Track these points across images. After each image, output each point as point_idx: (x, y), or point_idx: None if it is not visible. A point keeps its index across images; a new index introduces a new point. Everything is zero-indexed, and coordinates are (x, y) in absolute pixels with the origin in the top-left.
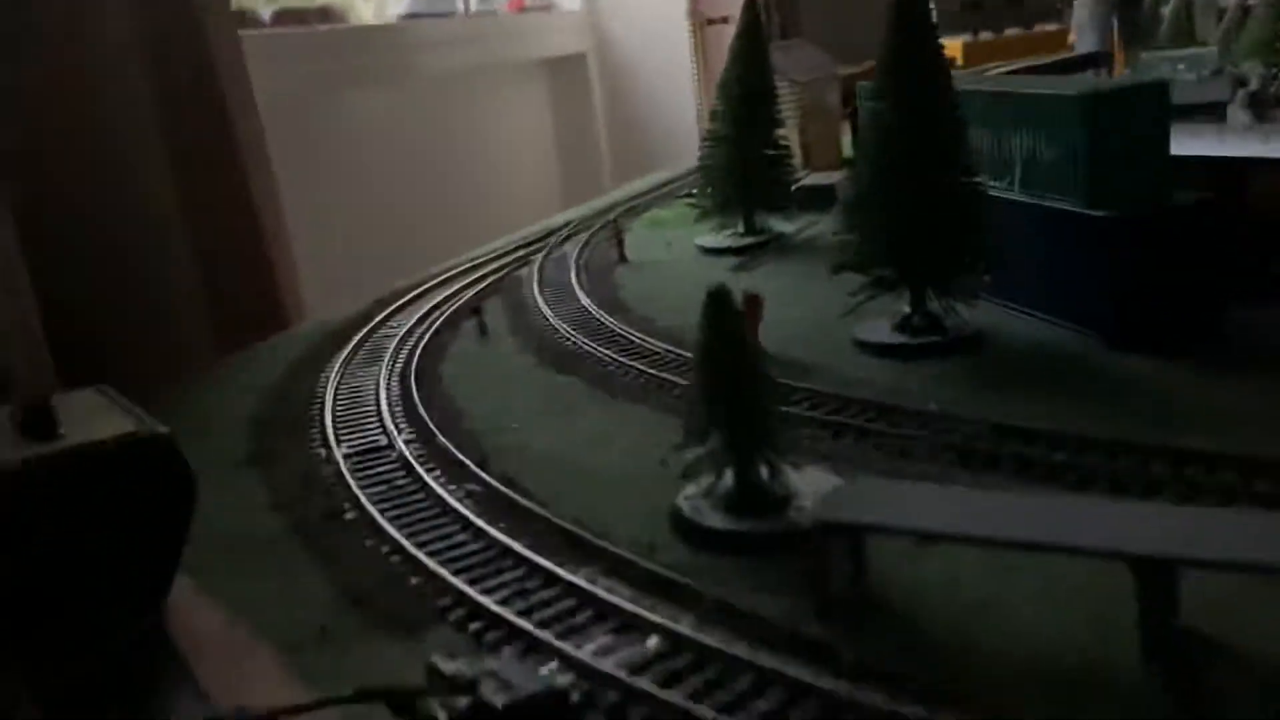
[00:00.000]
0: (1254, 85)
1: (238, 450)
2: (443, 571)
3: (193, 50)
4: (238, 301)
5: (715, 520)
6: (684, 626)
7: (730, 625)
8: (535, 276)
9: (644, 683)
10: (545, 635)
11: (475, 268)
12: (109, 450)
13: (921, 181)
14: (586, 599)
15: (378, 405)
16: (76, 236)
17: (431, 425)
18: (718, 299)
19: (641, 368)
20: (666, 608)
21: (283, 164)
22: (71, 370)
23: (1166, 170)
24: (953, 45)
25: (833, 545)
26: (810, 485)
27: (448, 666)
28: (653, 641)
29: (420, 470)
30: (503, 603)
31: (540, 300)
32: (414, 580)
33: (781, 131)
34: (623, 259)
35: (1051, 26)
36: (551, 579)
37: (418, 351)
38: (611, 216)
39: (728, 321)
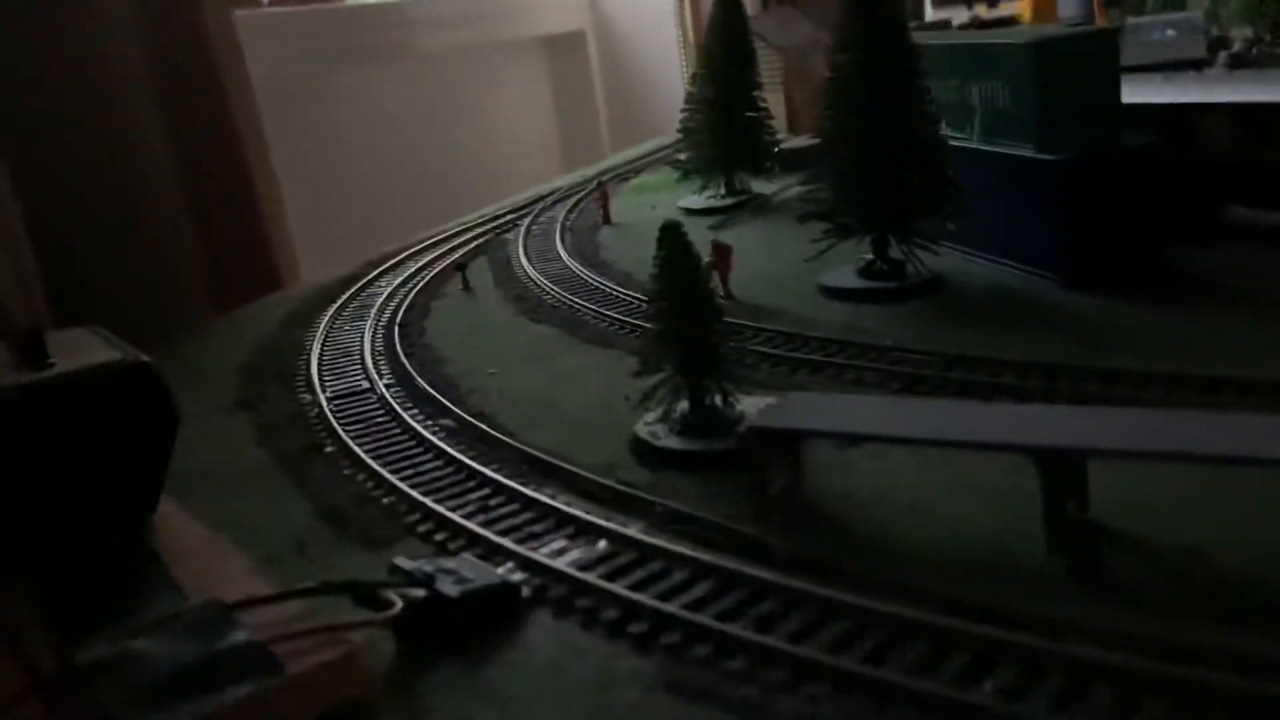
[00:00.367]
0: (1237, 47)
1: (228, 396)
2: (412, 492)
3: (187, 19)
4: (232, 263)
5: (671, 442)
6: (633, 531)
7: (676, 530)
8: (521, 238)
9: (590, 576)
10: (504, 541)
11: (465, 230)
12: (96, 377)
13: (883, 131)
14: (545, 511)
15: (361, 355)
16: (73, 201)
17: (412, 371)
18: (671, 233)
19: (616, 315)
20: (620, 517)
21: (286, 139)
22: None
23: (1117, 115)
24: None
25: (769, 453)
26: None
27: (408, 565)
28: (602, 544)
29: (398, 408)
30: (467, 516)
31: (524, 259)
32: (385, 500)
33: (762, 94)
34: (607, 221)
35: None
36: (514, 495)
37: (403, 307)
38: (596, 180)
39: (681, 255)
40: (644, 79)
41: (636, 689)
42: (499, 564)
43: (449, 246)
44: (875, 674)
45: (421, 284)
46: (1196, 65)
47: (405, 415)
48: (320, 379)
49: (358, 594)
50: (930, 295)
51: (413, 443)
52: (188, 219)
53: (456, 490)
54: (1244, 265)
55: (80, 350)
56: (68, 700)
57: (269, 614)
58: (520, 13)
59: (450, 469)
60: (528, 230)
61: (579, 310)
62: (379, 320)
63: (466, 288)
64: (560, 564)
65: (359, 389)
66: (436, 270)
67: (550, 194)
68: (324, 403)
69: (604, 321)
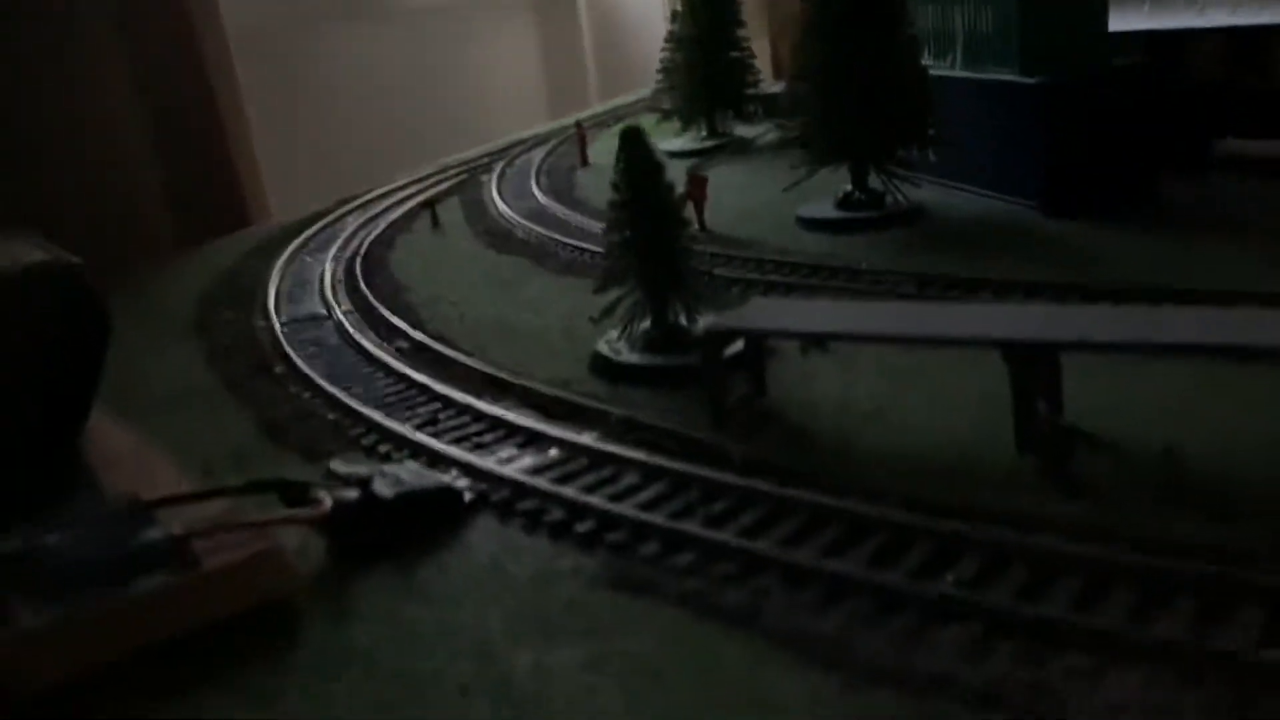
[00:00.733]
0: None
1: (182, 321)
2: (359, 406)
3: None
4: (197, 200)
5: (631, 358)
6: (585, 439)
7: (630, 439)
8: (495, 179)
9: (537, 481)
10: (450, 449)
11: (441, 173)
12: (21, 277)
13: (861, 58)
14: (495, 422)
15: (320, 284)
16: (33, 128)
17: (371, 298)
18: (632, 138)
19: (585, 246)
20: (574, 427)
21: (267, 86)
22: None
23: (1102, 38)
24: None
25: (727, 358)
26: None
27: (344, 469)
28: (553, 452)
29: (353, 332)
30: (414, 429)
31: (496, 196)
32: (330, 416)
33: (744, 33)
34: (584, 163)
35: None
36: (465, 409)
37: (368, 241)
38: (576, 122)
39: (643, 159)
40: (632, 35)
41: (576, 585)
42: (445, 472)
43: (422, 187)
44: (829, 567)
45: (389, 222)
46: None
47: (359, 338)
48: (276, 306)
49: (286, 493)
50: (910, 225)
51: (364, 363)
52: (150, 154)
53: (406, 406)
54: (1234, 194)
55: (8, 253)
56: None
57: (192, 512)
58: None
59: (401, 386)
60: (502, 173)
61: (547, 242)
62: (342, 253)
63: (435, 225)
64: (506, 470)
65: (315, 315)
66: (406, 209)
67: (529, 139)
68: (277, 328)
69: (573, 251)
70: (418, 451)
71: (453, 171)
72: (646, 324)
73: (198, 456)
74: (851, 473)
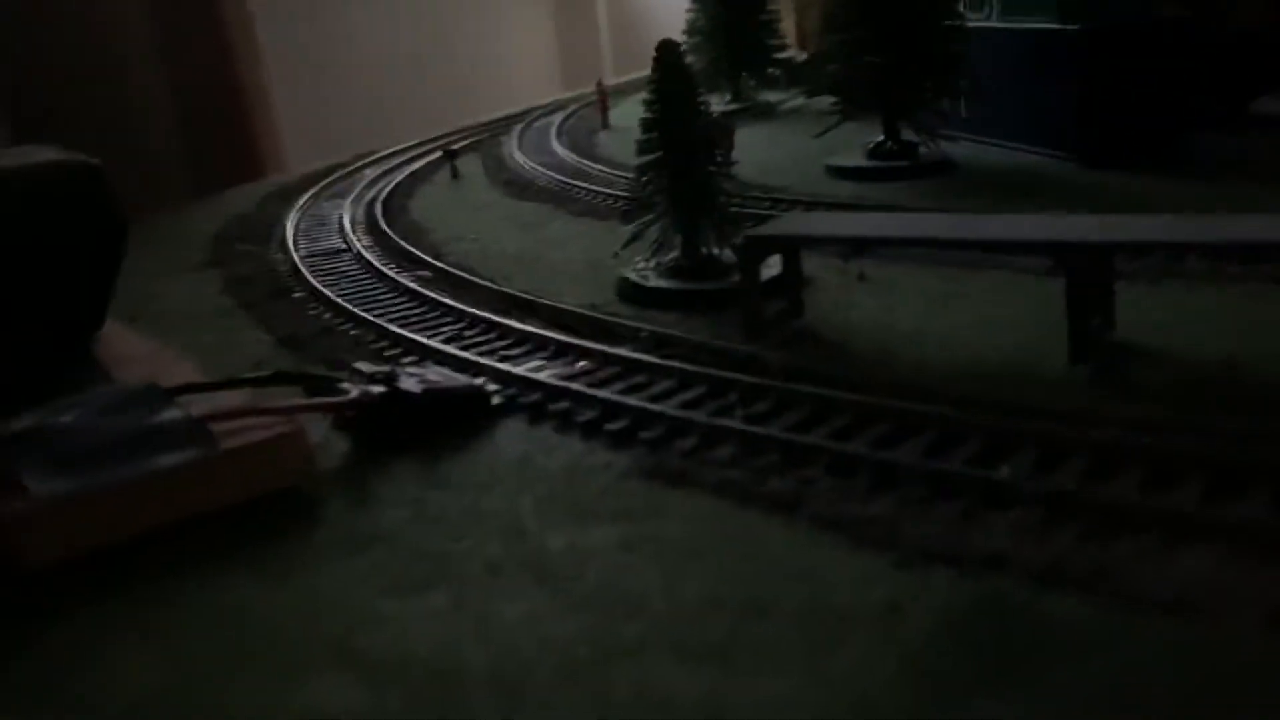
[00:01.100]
0: None
1: (200, 256)
2: (380, 321)
3: None
4: (213, 149)
5: (660, 283)
6: (617, 350)
7: (663, 352)
8: (515, 136)
9: (569, 384)
10: (478, 358)
11: (457, 133)
12: (36, 173)
13: (895, 5)
14: (523, 336)
15: (340, 224)
16: (54, 83)
17: (392, 235)
18: (667, 50)
19: (608, 192)
20: (604, 342)
21: (292, 50)
22: None
23: None
24: None
25: (762, 283)
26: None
27: (369, 368)
28: (582, 364)
29: (373, 261)
30: (442, 342)
31: (517, 152)
32: (352, 331)
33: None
34: (605, 125)
35: None
36: (491, 325)
37: (387, 189)
38: (596, 82)
39: (678, 79)
40: (651, 19)
41: (609, 477)
42: (473, 377)
43: (441, 144)
44: (878, 455)
45: (409, 173)
46: None
47: (380, 267)
48: (295, 242)
49: (311, 384)
50: (942, 175)
51: (385, 287)
52: (168, 105)
53: (429, 322)
54: (1273, 149)
55: (27, 155)
56: None
57: (213, 399)
58: None
59: (423, 307)
60: (521, 133)
61: (570, 188)
62: (361, 199)
63: (455, 176)
64: (537, 375)
65: (335, 249)
66: (425, 162)
67: (548, 104)
68: (296, 260)
69: (595, 197)
70: (443, 361)
71: (470, 131)
72: (676, 253)
73: (218, 368)
74: (896, 379)
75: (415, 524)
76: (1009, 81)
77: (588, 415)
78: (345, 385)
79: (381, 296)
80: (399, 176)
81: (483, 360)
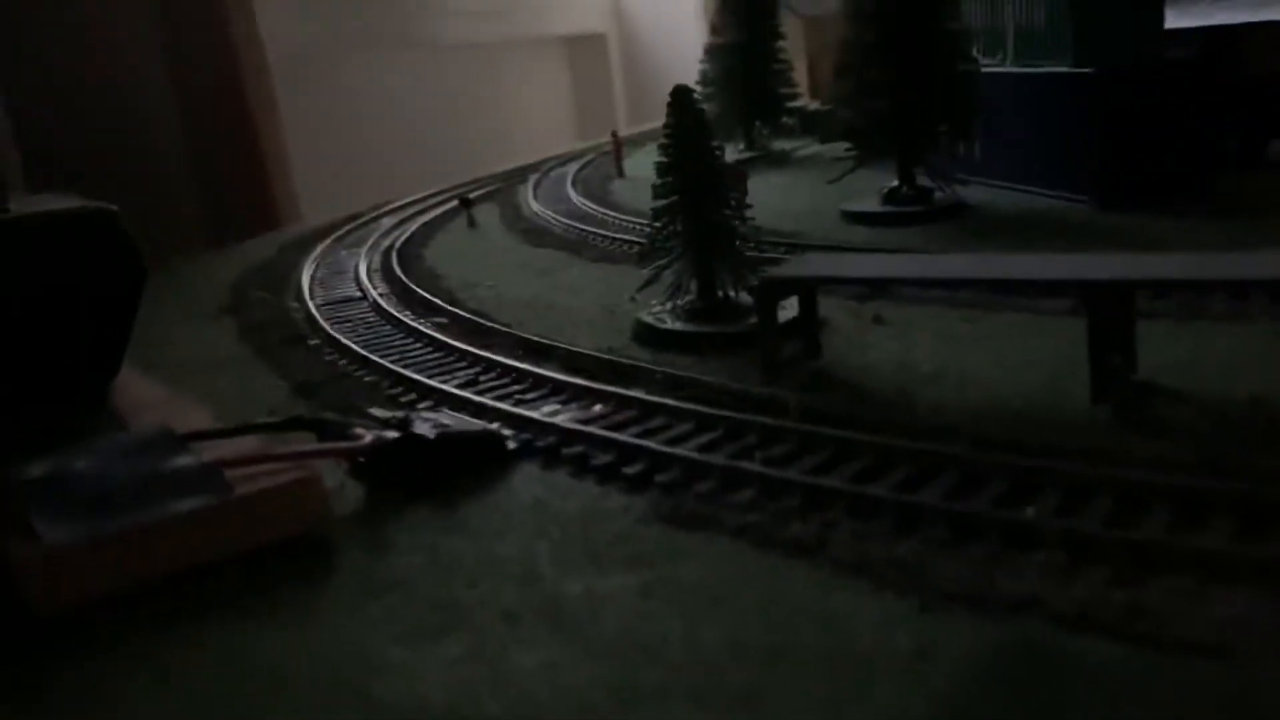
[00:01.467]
0: None
1: (217, 304)
2: (395, 367)
3: None
4: (231, 202)
5: (676, 326)
6: (633, 393)
7: (681, 394)
8: (531, 185)
9: (585, 427)
10: (494, 403)
11: (474, 182)
12: (56, 221)
13: (908, 51)
14: (539, 380)
15: (355, 272)
16: (78, 138)
17: (408, 281)
18: (682, 95)
19: (623, 238)
20: (621, 384)
21: (308, 110)
22: None
23: (1156, 28)
24: None
25: (780, 325)
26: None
27: (383, 413)
28: (598, 407)
29: (388, 308)
30: (457, 387)
31: (533, 200)
32: (367, 377)
33: (783, 44)
34: (620, 174)
35: None
36: (507, 370)
37: (403, 238)
38: (611, 132)
39: (692, 123)
40: (663, 76)
41: (626, 521)
42: (489, 422)
43: (457, 194)
44: (900, 498)
45: (425, 221)
46: None
47: (396, 314)
48: (311, 290)
49: (324, 430)
50: (958, 219)
51: (401, 334)
52: (186, 158)
53: (445, 367)
54: None
55: (46, 202)
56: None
57: (227, 445)
58: (543, 12)
59: (439, 353)
60: (537, 182)
61: (585, 235)
62: (377, 247)
63: (472, 224)
64: (554, 420)
65: (350, 297)
66: (441, 211)
67: (562, 155)
68: (312, 308)
69: (610, 243)
70: (459, 406)
71: (487, 181)
72: (692, 296)
73: (231, 415)
74: (916, 420)
75: (430, 570)
76: (1024, 125)
77: (604, 459)
78: (360, 430)
79: (397, 342)
80: (415, 225)
81: (498, 404)
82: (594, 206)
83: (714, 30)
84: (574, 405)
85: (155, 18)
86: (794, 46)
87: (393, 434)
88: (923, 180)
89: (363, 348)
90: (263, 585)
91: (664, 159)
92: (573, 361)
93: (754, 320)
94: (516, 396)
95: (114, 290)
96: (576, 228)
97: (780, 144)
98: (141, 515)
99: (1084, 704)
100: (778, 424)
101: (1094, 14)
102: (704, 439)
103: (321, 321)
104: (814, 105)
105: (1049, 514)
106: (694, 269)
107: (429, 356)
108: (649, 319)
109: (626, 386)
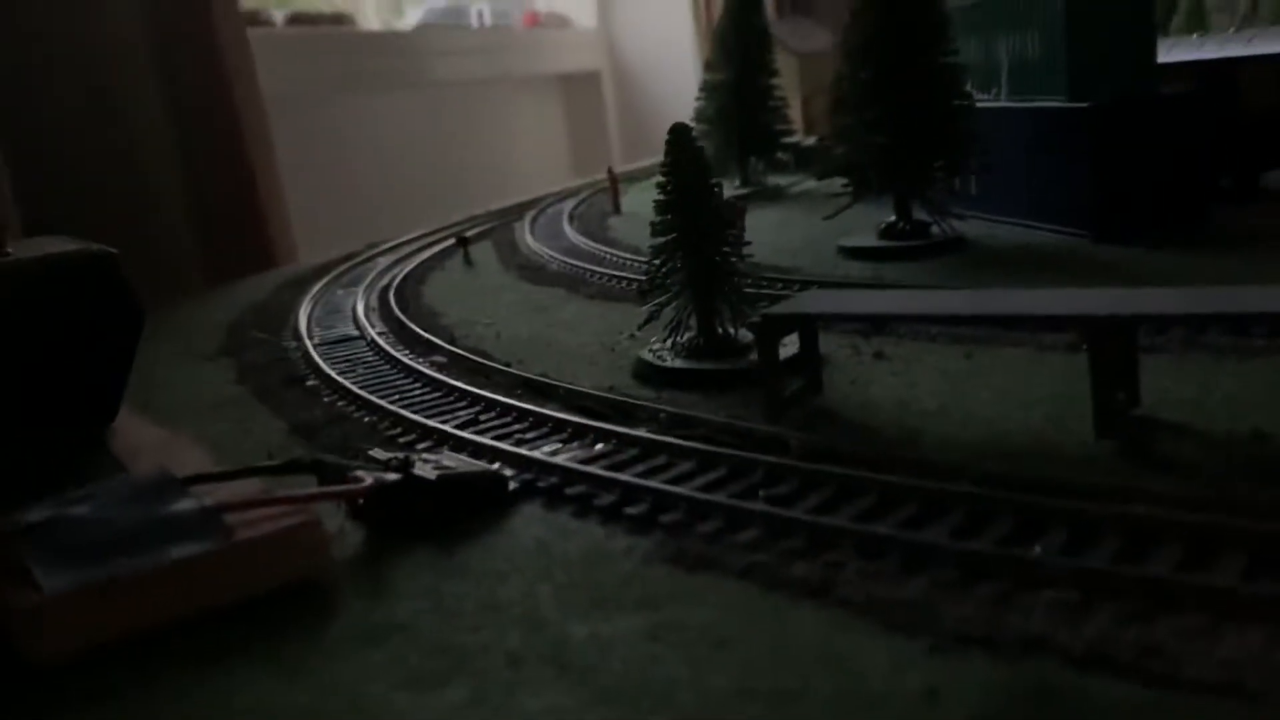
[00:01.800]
0: None
1: (214, 345)
2: (395, 408)
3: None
4: (226, 241)
5: (676, 363)
6: (635, 431)
7: (682, 433)
8: (528, 222)
9: (587, 467)
10: (494, 443)
11: (469, 220)
12: (54, 264)
13: (903, 84)
14: (540, 419)
15: (353, 311)
16: (63, 165)
17: (406, 320)
18: (680, 134)
19: (621, 275)
20: (622, 424)
21: (302, 149)
22: None
23: (1150, 61)
24: None
25: (780, 362)
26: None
27: (383, 455)
28: (599, 446)
29: (387, 348)
30: (456, 427)
31: (529, 238)
32: (366, 419)
33: (777, 81)
34: (617, 210)
35: None
36: (507, 409)
37: (400, 277)
38: (608, 168)
39: (691, 160)
40: (658, 113)
41: (630, 563)
42: (489, 462)
43: (454, 232)
44: (907, 536)
45: (422, 260)
46: None
47: (394, 353)
48: (308, 330)
49: (324, 473)
50: (955, 253)
51: (400, 374)
52: (181, 193)
53: (444, 407)
54: None
55: (44, 245)
56: None
57: (227, 489)
58: (537, 50)
59: (439, 393)
60: (534, 219)
61: (583, 272)
62: (374, 286)
63: (468, 262)
64: (555, 459)
65: (348, 336)
66: (437, 249)
67: (558, 191)
68: (310, 347)
69: (608, 280)
70: (459, 446)
71: (483, 219)
72: (692, 332)
73: (230, 457)
74: (921, 457)
75: (432, 615)
76: (1020, 159)
77: (607, 499)
78: (359, 473)
79: (396, 382)
80: (411, 264)
81: (498, 444)
82: (591, 243)
83: (709, 67)
84: (575, 444)
85: (153, 57)
86: (789, 83)
87: (393, 476)
88: (919, 215)
89: (361, 388)
90: (262, 631)
91: (663, 196)
92: (573, 400)
93: (755, 357)
94: (517, 436)
95: (113, 333)
96: (574, 265)
97: (775, 179)
98: (141, 561)
99: None
100: (782, 462)
101: (1089, 48)
102: (708, 478)
103: (319, 361)
104: (809, 141)
105: (1057, 551)
106: (694, 306)
107: (428, 396)
108: (649, 356)
109: (628, 425)
